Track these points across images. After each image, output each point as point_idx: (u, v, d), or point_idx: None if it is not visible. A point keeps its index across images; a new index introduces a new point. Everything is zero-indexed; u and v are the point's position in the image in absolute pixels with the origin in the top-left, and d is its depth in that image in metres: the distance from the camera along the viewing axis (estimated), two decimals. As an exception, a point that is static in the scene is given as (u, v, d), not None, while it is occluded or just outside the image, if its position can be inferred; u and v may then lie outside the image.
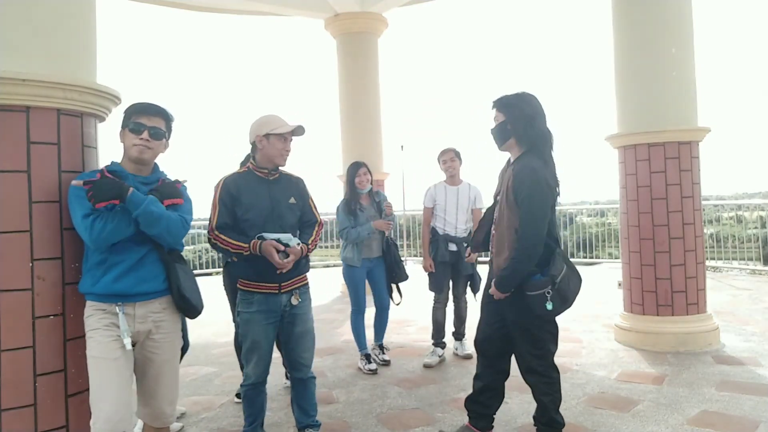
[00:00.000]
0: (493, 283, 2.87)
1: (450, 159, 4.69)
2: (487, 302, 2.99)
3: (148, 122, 2.32)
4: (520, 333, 2.88)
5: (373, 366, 4.48)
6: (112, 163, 2.35)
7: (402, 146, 8.75)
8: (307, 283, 3.04)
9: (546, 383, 2.88)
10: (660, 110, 4.79)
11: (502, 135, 2.88)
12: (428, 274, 4.74)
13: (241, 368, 3.97)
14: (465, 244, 4.65)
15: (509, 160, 2.96)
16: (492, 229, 2.99)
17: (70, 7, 2.37)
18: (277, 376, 4.42)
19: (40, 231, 2.20)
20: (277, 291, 2.86)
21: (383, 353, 4.69)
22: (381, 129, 8.64)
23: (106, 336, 2.21)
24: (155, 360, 2.35)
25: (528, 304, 2.74)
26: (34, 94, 2.17)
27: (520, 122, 2.81)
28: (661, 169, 4.78)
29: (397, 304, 4.65)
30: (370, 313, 4.64)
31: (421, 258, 5.13)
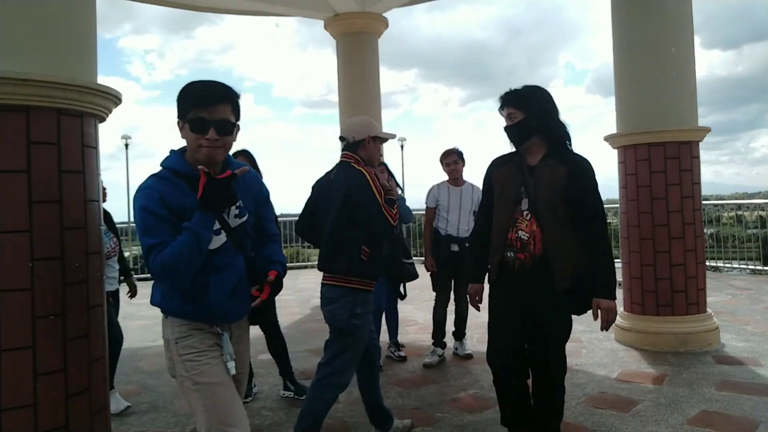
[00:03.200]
0: (599, 298, 2.54)
1: (453, 161, 4.69)
2: (513, 320, 2.69)
3: (211, 116, 1.83)
4: (556, 342, 2.66)
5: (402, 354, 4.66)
6: (173, 155, 1.94)
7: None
8: None
9: (561, 399, 2.76)
10: (660, 110, 4.79)
11: (525, 133, 2.63)
12: (430, 274, 4.75)
13: (282, 373, 3.98)
14: (467, 245, 4.65)
15: (520, 160, 2.70)
16: (517, 231, 2.63)
17: (70, 7, 2.37)
18: (277, 377, 4.42)
19: (40, 231, 2.20)
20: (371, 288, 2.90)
21: (399, 350, 4.71)
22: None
23: (216, 358, 1.93)
24: (240, 380, 2.12)
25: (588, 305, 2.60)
26: (34, 94, 2.16)
27: (544, 117, 2.62)
28: (661, 169, 4.78)
29: (402, 299, 4.64)
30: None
31: (420, 257, 5.12)
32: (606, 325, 2.56)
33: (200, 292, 1.89)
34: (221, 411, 1.89)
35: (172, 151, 1.96)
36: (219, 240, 1.90)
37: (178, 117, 1.90)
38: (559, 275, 2.54)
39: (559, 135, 2.65)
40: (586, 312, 2.65)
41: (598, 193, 2.63)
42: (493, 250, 2.72)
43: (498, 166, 2.82)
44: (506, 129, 2.69)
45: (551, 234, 2.55)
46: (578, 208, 2.59)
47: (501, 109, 2.70)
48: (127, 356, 5.06)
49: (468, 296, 2.93)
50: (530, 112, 2.61)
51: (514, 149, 2.78)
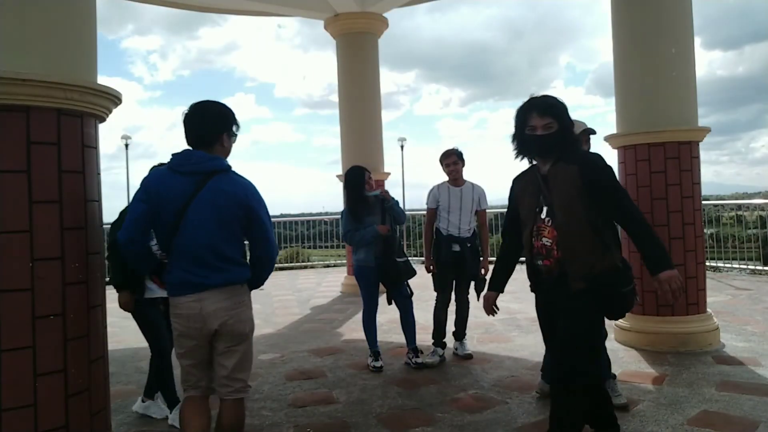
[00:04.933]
0: (664, 271, 2.44)
1: (453, 162, 4.69)
2: (549, 325, 2.74)
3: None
4: (573, 345, 2.57)
5: (379, 363, 4.50)
6: (222, 160, 2.50)
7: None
8: None
9: (566, 394, 2.56)
10: (660, 110, 4.78)
11: (559, 144, 2.60)
12: (432, 274, 4.75)
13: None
14: (468, 245, 4.66)
15: (534, 170, 2.71)
16: (541, 239, 2.63)
17: (70, 7, 2.37)
18: (278, 377, 4.42)
19: (40, 231, 2.20)
20: None
21: (417, 356, 4.57)
22: (381, 129, 8.65)
23: None
24: None
25: (621, 301, 2.58)
26: (34, 94, 2.16)
27: (570, 130, 2.65)
28: (661, 169, 4.78)
29: (410, 296, 4.61)
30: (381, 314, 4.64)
31: (420, 257, 5.11)
32: (672, 295, 2.45)
33: None
34: None
35: (218, 157, 2.49)
36: None
37: (227, 132, 2.53)
38: (572, 275, 2.54)
39: (574, 145, 2.70)
40: (618, 317, 2.74)
41: (619, 186, 2.64)
42: (526, 262, 2.78)
43: (518, 182, 2.85)
44: (543, 138, 2.58)
45: (565, 236, 2.56)
46: (606, 208, 2.56)
47: (539, 115, 2.59)
48: (128, 356, 5.07)
49: (484, 300, 2.93)
50: (564, 123, 2.61)
51: (523, 159, 2.74)
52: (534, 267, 2.71)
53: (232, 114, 2.55)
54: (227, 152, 2.56)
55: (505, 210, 3.59)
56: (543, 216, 2.64)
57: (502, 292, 2.89)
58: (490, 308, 2.89)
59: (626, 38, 5.00)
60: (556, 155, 2.62)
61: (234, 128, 2.55)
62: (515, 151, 2.74)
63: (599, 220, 2.56)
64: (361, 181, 4.50)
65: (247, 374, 2.55)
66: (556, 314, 2.66)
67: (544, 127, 2.58)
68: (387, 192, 4.57)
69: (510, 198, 2.93)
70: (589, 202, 2.53)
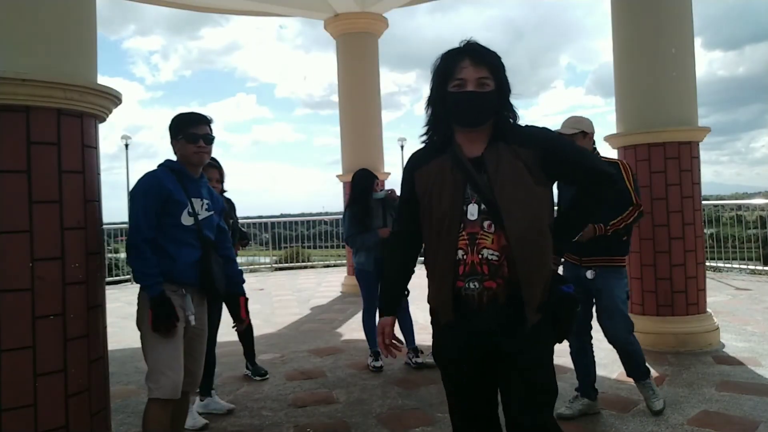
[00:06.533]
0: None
1: None
2: (482, 381, 1.91)
3: (200, 131, 2.62)
4: (538, 374, 1.83)
5: (379, 363, 4.51)
6: (174, 162, 2.63)
7: None
8: (611, 266, 3.33)
9: None
10: (660, 110, 4.78)
11: (492, 109, 1.83)
12: None
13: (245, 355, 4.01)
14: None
15: (456, 151, 1.85)
16: (480, 251, 1.79)
17: (70, 8, 2.37)
18: (278, 377, 4.42)
19: (40, 231, 2.21)
20: (578, 263, 3.37)
21: (417, 356, 4.57)
22: (381, 129, 8.65)
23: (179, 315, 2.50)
24: (203, 337, 2.72)
25: (571, 322, 1.89)
26: (34, 94, 2.17)
27: (508, 96, 1.87)
28: (661, 169, 4.78)
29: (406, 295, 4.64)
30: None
31: (420, 257, 5.10)
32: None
33: (174, 259, 2.49)
34: (167, 354, 2.46)
35: (174, 161, 2.66)
36: (188, 220, 2.52)
37: (173, 137, 2.62)
38: (529, 303, 1.78)
39: (512, 116, 1.89)
40: (569, 333, 1.92)
41: (582, 148, 2.00)
42: (437, 282, 1.92)
43: (422, 164, 1.94)
44: (477, 96, 1.79)
45: (523, 244, 1.78)
46: (575, 179, 1.96)
47: (473, 64, 1.80)
48: (128, 356, 5.06)
49: (380, 335, 2.01)
50: (502, 84, 1.84)
51: (429, 130, 1.95)
52: (457, 292, 1.83)
53: (176, 121, 2.64)
54: (186, 156, 2.61)
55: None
56: (474, 217, 1.81)
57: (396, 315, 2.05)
58: (390, 342, 1.99)
59: (626, 38, 5.00)
60: (491, 130, 1.86)
61: (176, 134, 2.62)
62: (428, 127, 1.93)
63: (551, 214, 1.92)
64: (370, 186, 4.54)
65: (149, 369, 2.50)
66: (495, 359, 1.84)
67: (477, 83, 1.79)
68: (394, 191, 4.59)
69: (408, 189, 1.98)
70: (545, 192, 1.86)
